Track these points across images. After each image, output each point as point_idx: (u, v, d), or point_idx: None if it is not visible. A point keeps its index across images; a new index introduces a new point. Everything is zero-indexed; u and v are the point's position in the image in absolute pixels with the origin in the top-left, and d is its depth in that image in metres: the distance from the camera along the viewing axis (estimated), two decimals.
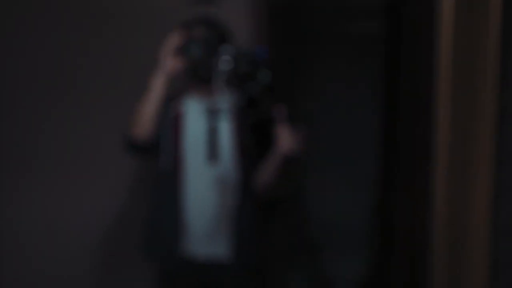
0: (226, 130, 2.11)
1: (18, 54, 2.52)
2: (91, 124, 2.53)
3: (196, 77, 2.15)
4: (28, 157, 2.55)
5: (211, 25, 2.17)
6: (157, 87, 2.05)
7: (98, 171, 2.54)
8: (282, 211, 3.66)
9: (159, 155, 2.13)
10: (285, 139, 2.03)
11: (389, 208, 2.62)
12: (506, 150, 1.22)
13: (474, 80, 1.25)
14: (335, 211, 3.62)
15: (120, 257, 2.57)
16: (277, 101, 2.07)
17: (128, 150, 2.16)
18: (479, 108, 1.27)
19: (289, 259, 3.72)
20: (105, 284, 2.58)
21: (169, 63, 2.03)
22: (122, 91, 2.51)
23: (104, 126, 2.53)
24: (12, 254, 2.59)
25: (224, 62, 2.01)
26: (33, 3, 2.50)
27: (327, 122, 3.82)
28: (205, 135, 2.10)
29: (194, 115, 2.10)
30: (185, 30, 2.16)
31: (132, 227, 2.55)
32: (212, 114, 2.12)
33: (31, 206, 2.56)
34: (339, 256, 3.40)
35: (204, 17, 2.19)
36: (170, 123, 2.11)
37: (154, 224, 2.18)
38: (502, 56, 1.18)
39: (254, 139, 2.15)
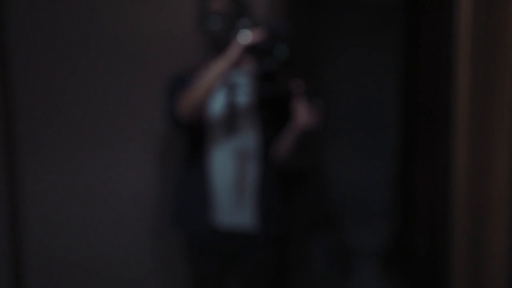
0: (244, 104, 2.13)
1: (48, 30, 2.56)
2: (121, 96, 2.56)
3: (215, 50, 2.15)
4: (59, 129, 2.59)
5: None
6: (218, 72, 2.01)
7: (128, 142, 2.58)
8: (302, 183, 3.68)
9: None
10: (303, 113, 2.04)
11: (409, 177, 2.62)
12: None
13: (493, 46, 1.25)
14: (356, 182, 3.63)
15: (150, 226, 2.62)
16: (295, 75, 2.07)
17: (173, 126, 2.18)
18: (500, 73, 1.27)
19: (311, 229, 3.75)
20: (136, 253, 2.64)
21: (237, 56, 1.99)
22: (153, 60, 2.53)
23: (134, 98, 2.56)
24: (44, 226, 2.66)
25: (243, 36, 2.01)
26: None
27: (347, 93, 3.82)
28: (224, 109, 2.12)
29: None
30: (204, 3, 2.17)
31: (162, 196, 2.61)
32: (231, 88, 2.14)
33: (63, 177, 2.61)
34: (359, 227, 3.42)
35: None
36: None
37: (182, 194, 2.22)
38: None
39: (272, 113, 2.16)
